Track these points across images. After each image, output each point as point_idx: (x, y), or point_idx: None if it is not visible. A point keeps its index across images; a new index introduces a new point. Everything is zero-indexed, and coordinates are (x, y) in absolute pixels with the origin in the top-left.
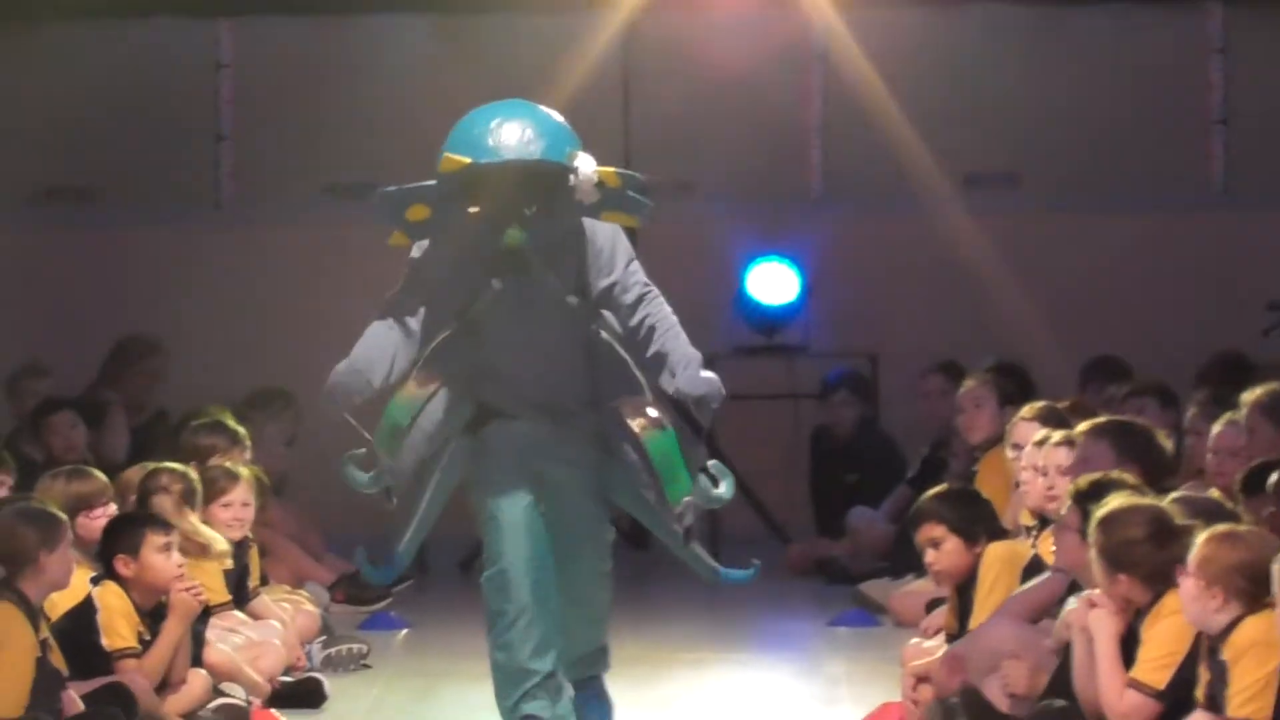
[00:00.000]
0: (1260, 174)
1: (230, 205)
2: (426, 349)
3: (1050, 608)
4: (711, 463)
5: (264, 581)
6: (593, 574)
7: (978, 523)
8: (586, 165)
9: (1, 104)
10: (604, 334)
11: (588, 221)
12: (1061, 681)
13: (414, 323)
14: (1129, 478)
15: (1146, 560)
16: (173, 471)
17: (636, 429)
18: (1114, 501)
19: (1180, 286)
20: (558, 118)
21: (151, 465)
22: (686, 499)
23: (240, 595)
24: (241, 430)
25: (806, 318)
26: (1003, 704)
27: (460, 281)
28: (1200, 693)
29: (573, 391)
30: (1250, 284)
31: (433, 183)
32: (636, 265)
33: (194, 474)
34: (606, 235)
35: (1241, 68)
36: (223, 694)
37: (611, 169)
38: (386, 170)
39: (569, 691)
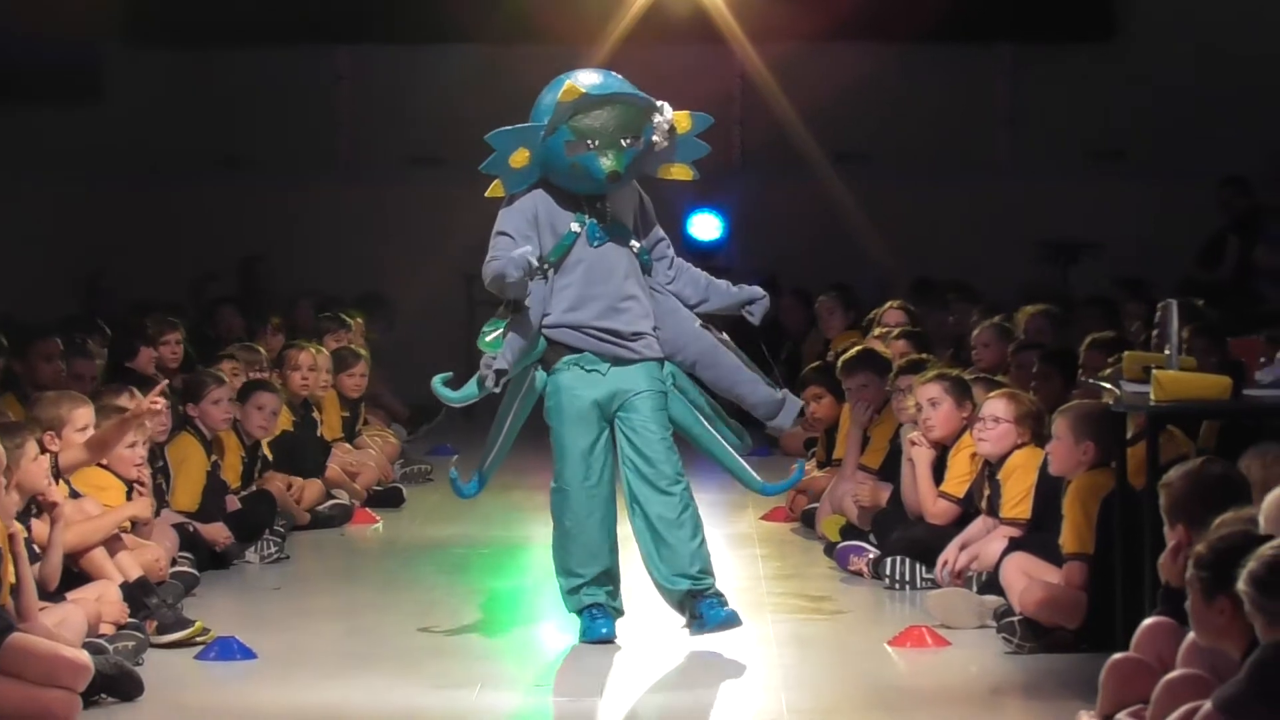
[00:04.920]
0: (1041, 158)
1: (341, 170)
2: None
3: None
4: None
5: (365, 422)
6: (667, 480)
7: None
8: (667, 109)
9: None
10: (658, 286)
11: (638, 187)
12: (898, 496)
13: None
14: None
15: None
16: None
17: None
18: (939, 367)
19: (976, 230)
20: None
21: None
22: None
23: (350, 433)
24: (348, 319)
25: (729, 249)
26: (853, 514)
27: (544, 228)
28: (984, 504)
29: (632, 319)
30: (1022, 230)
31: (539, 124)
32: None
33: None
34: (648, 201)
35: (1025, 86)
36: (334, 497)
37: (685, 112)
38: (451, 148)
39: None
